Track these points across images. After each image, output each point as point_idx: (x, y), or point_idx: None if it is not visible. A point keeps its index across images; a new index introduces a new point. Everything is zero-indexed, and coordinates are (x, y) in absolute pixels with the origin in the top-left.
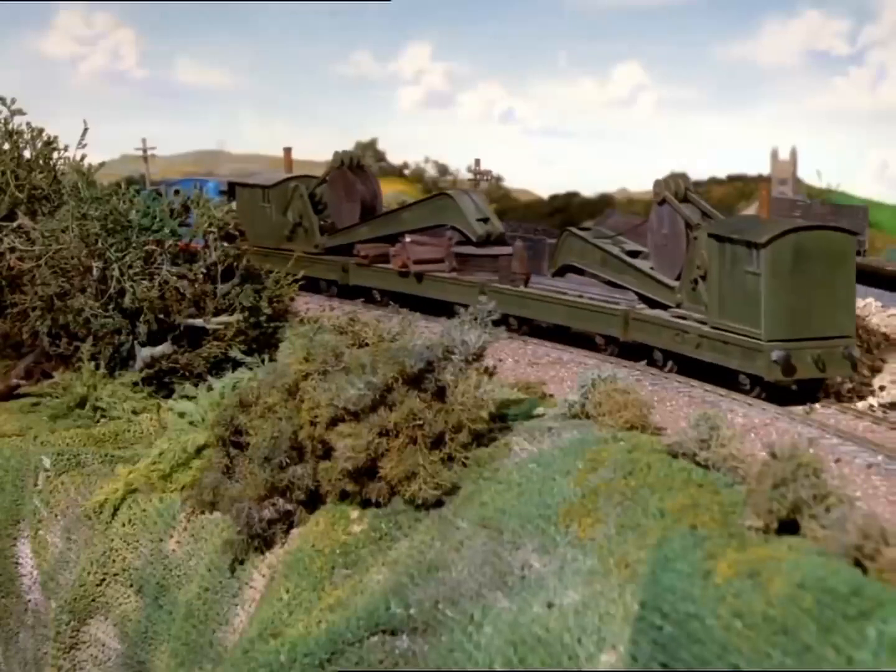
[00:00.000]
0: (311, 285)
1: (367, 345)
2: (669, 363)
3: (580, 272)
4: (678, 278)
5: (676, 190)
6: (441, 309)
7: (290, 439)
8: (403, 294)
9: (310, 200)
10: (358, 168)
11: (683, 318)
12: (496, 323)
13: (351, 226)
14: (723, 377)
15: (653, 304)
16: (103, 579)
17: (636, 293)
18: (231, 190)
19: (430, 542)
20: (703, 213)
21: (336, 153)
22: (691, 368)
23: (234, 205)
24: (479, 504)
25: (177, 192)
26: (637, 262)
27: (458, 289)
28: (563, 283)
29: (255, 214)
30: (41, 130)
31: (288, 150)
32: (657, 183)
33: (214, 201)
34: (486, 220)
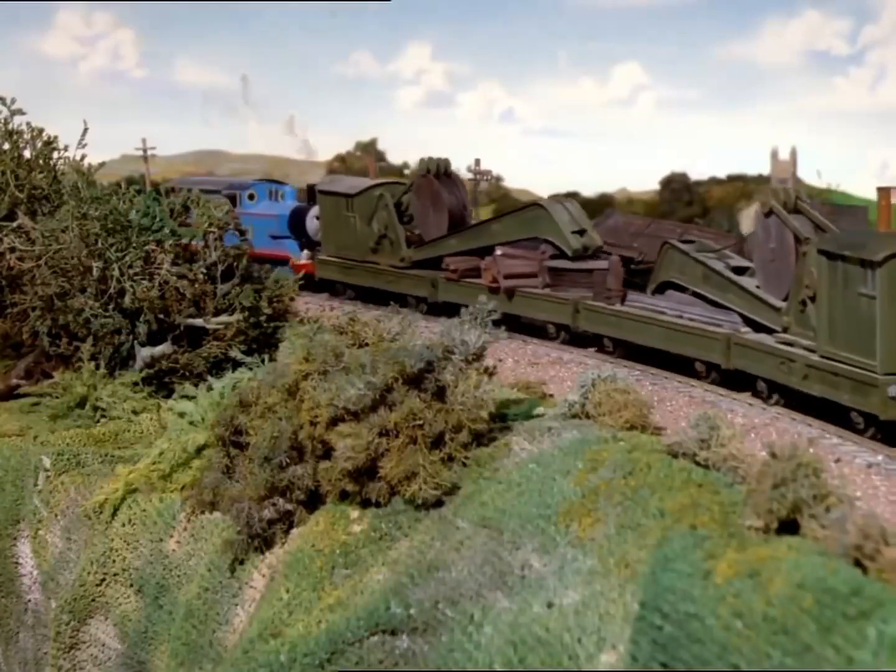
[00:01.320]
0: (397, 302)
1: (367, 345)
2: (775, 396)
3: (684, 290)
4: (786, 299)
5: (786, 200)
6: (533, 328)
7: (290, 439)
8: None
9: (395, 210)
10: (445, 175)
11: (790, 344)
12: (496, 323)
13: (439, 238)
14: (835, 414)
15: (758, 327)
16: (103, 579)
17: (740, 314)
18: (311, 195)
19: (430, 542)
20: (816, 225)
21: (422, 160)
22: (800, 402)
23: (317, 210)
24: (479, 504)
25: (252, 196)
26: (742, 280)
27: (550, 306)
28: (663, 302)
29: (338, 224)
30: (41, 130)
31: (371, 154)
32: (764, 191)
33: (215, 201)
34: (582, 233)
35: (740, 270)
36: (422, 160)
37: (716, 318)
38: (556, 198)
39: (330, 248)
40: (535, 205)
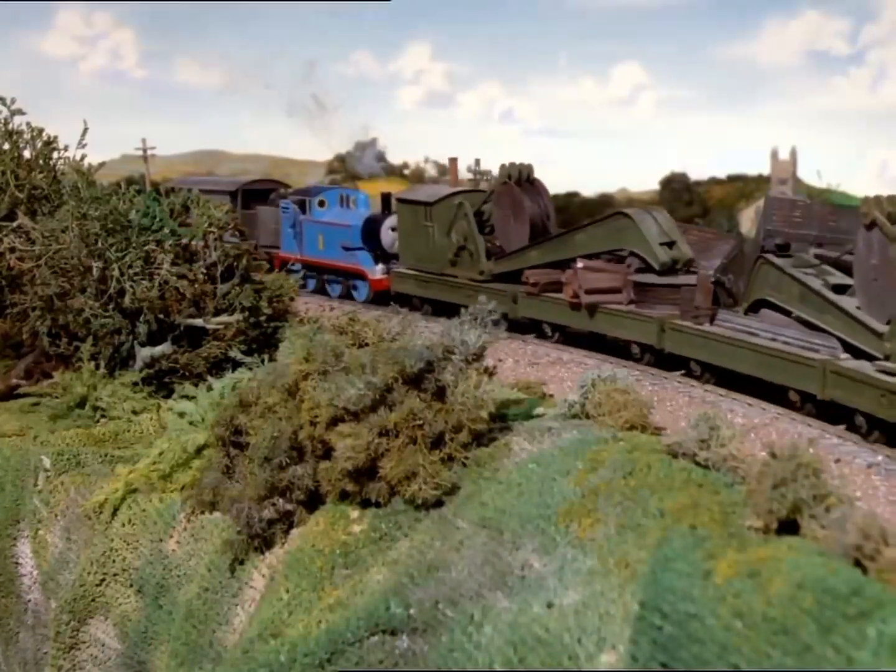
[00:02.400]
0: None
1: (367, 345)
2: (875, 433)
3: (780, 310)
4: (889, 322)
5: (891, 211)
6: (617, 348)
7: (290, 439)
8: (577, 330)
9: (475, 219)
10: (527, 182)
11: (892, 374)
12: (496, 323)
13: (519, 249)
14: None
15: (859, 353)
16: (103, 579)
17: (839, 339)
18: (386, 204)
19: (430, 542)
20: None
21: (502, 166)
22: None
23: (392, 221)
24: (479, 504)
25: (322, 202)
26: (841, 300)
27: (633, 324)
28: (755, 323)
29: (416, 234)
30: (41, 130)
31: (454, 161)
32: (866, 201)
33: (216, 203)
34: (671, 245)
35: (841, 289)
36: (502, 166)
37: (813, 343)
38: (644, 207)
39: (407, 259)
40: (619, 213)
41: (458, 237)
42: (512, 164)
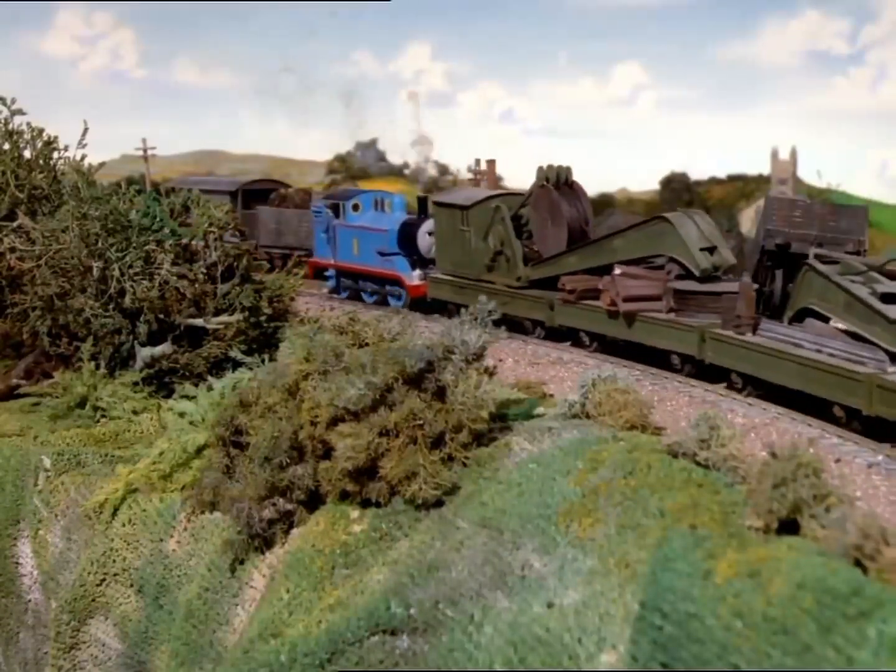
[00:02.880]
0: (513, 326)
1: (367, 345)
2: None
3: (825, 319)
4: None
5: None
6: (657, 358)
7: (290, 439)
8: (614, 339)
9: (513, 224)
10: (566, 185)
11: None
12: (496, 323)
13: (557, 254)
14: None
15: None
16: (103, 579)
17: (886, 351)
18: (422, 207)
19: (430, 542)
20: None
21: (540, 168)
22: None
23: (429, 225)
24: (479, 504)
25: (356, 206)
26: (889, 310)
27: (673, 333)
28: (799, 333)
29: (453, 239)
30: (41, 130)
31: (491, 163)
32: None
33: (216, 203)
34: (712, 250)
35: (890, 297)
36: (540, 168)
37: (860, 355)
38: (684, 210)
39: (444, 265)
40: (659, 218)
41: (494, 242)
42: (550, 167)
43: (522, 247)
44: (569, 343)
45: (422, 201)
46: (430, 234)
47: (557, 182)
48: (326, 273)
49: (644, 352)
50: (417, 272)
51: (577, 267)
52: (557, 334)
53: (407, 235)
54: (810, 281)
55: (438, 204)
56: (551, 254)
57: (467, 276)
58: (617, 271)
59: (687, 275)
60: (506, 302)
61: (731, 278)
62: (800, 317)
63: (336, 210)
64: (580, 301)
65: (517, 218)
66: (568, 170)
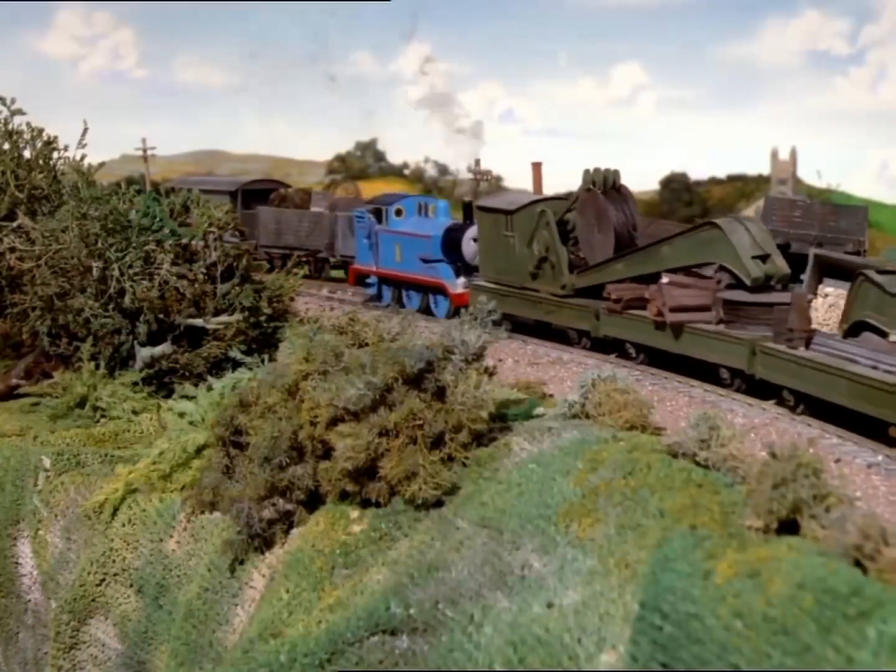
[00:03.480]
0: (558, 336)
1: (367, 345)
2: None
3: (885, 334)
4: None
5: None
6: (706, 372)
7: (290, 439)
8: (662, 351)
9: (558, 229)
10: (613, 190)
11: None
12: (496, 323)
13: (603, 262)
14: None
15: None
16: (103, 579)
17: None
18: (467, 212)
19: (430, 542)
20: None
21: (586, 172)
22: None
23: (474, 231)
24: (479, 504)
25: (399, 211)
26: None
27: (722, 346)
28: (855, 348)
29: (496, 245)
30: (41, 130)
31: (537, 165)
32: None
33: (216, 203)
34: (764, 258)
35: None
36: (586, 171)
37: None
38: (735, 216)
39: (487, 271)
40: (709, 223)
41: (539, 248)
42: (597, 170)
43: (568, 253)
44: (615, 354)
45: (467, 206)
46: (474, 240)
47: (605, 186)
48: (368, 280)
49: (694, 366)
50: (462, 279)
51: (624, 275)
52: (604, 344)
53: (451, 241)
54: (865, 293)
55: (482, 209)
56: (597, 261)
57: (511, 283)
58: (664, 280)
59: (738, 284)
60: (551, 311)
61: (785, 288)
62: (855, 330)
63: (378, 215)
64: (626, 311)
65: (563, 223)
66: (616, 173)
